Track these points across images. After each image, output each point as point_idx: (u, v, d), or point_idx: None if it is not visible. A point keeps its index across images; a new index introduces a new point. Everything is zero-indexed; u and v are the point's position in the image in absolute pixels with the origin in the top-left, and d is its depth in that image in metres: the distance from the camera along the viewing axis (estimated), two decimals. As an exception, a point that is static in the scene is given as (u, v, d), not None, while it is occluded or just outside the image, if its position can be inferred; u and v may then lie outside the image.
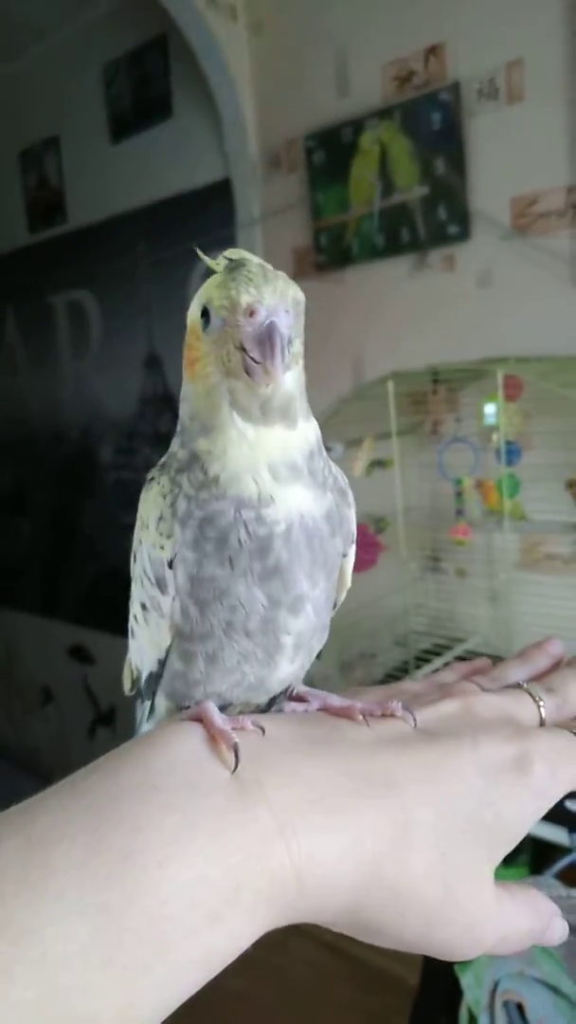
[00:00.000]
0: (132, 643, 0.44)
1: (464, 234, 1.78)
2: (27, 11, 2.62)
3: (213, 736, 0.32)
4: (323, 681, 1.80)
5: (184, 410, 0.37)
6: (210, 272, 0.38)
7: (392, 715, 0.36)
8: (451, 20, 1.74)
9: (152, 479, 0.39)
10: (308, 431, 0.37)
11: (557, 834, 1.43)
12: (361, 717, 0.36)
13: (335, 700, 0.38)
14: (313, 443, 0.37)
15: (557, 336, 1.65)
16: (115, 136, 2.63)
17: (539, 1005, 1.04)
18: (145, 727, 0.45)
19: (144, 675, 0.42)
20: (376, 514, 1.76)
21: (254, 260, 0.36)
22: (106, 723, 3.11)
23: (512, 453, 1.55)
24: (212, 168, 2.33)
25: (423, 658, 1.73)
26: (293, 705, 0.39)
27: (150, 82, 2.49)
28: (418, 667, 1.69)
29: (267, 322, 0.33)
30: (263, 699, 0.41)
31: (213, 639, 0.36)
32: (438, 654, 1.74)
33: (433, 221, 1.83)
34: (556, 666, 0.44)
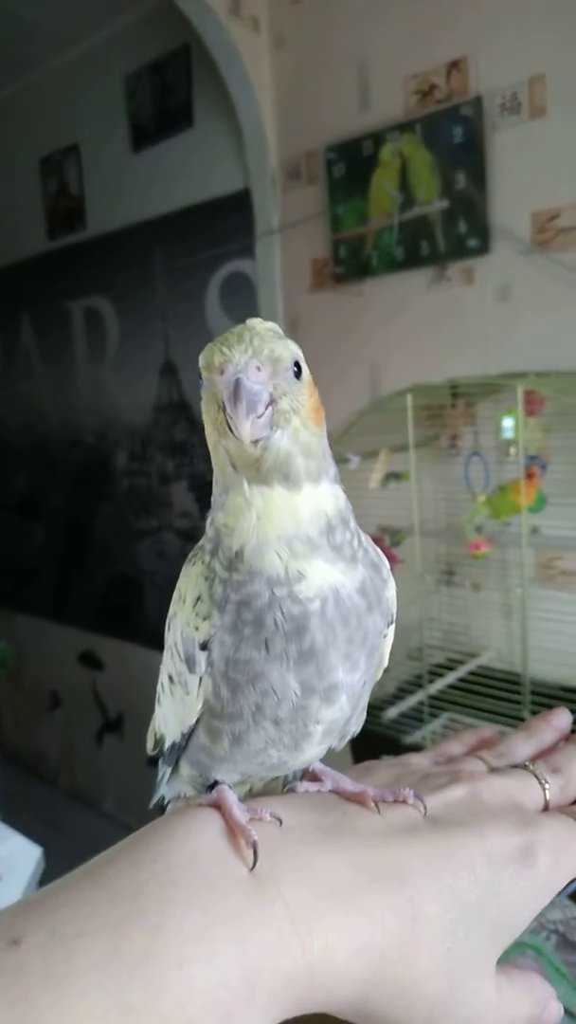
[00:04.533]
0: (158, 709, 0.43)
1: (484, 248, 1.78)
2: (51, 21, 2.64)
3: (232, 830, 0.33)
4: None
5: (215, 476, 0.37)
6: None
7: (404, 801, 0.36)
8: (473, 34, 1.75)
9: (195, 555, 0.38)
10: (321, 498, 0.35)
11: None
12: (373, 804, 0.36)
13: (347, 784, 0.38)
14: (330, 513, 0.36)
15: (576, 351, 1.65)
16: (136, 145, 2.65)
17: (553, 1029, 1.03)
18: (164, 789, 0.45)
19: (167, 743, 0.42)
20: (392, 527, 1.75)
21: (251, 323, 0.35)
22: (114, 729, 3.11)
23: (539, 466, 1.54)
24: (232, 178, 2.34)
25: (436, 672, 1.72)
26: (306, 785, 0.39)
27: (172, 92, 2.50)
28: (431, 681, 1.68)
29: (233, 379, 0.33)
30: (282, 775, 0.41)
31: (241, 721, 0.36)
32: (452, 668, 1.73)
33: (453, 234, 1.83)
34: (562, 739, 0.45)
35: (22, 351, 3.36)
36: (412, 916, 0.31)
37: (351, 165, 2.00)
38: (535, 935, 1.14)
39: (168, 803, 0.45)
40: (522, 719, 1.63)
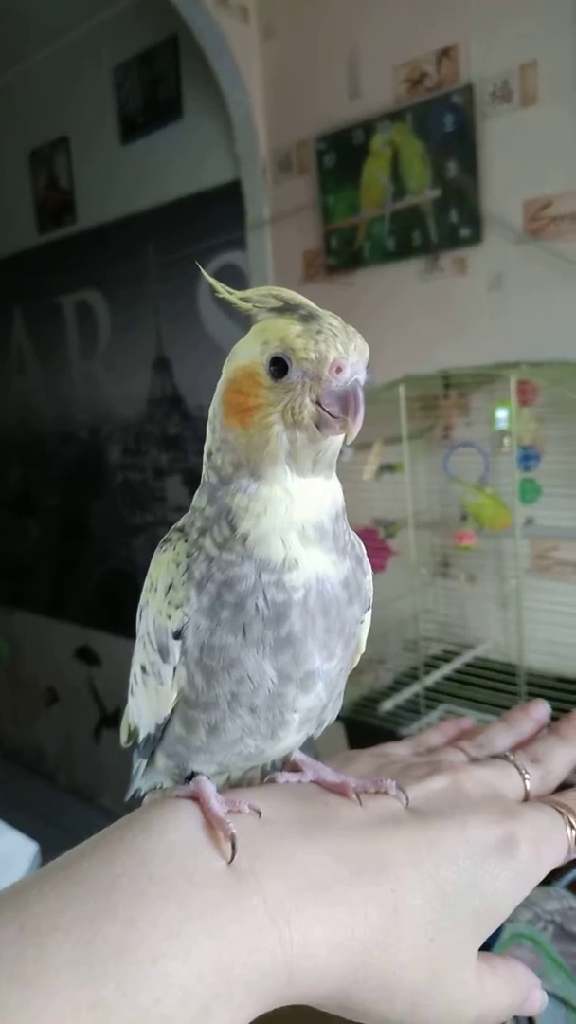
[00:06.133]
0: (131, 701, 0.43)
1: (476, 237, 1.77)
2: (38, 13, 2.62)
3: (210, 822, 0.32)
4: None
5: (224, 459, 0.35)
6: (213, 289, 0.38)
7: (385, 792, 0.36)
8: (464, 21, 1.73)
9: (168, 540, 0.38)
10: (336, 488, 0.37)
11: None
12: (355, 795, 0.36)
13: (329, 775, 0.38)
14: (340, 502, 0.37)
15: (569, 341, 1.64)
16: (125, 137, 2.63)
17: (550, 1018, 1.03)
18: (140, 781, 0.44)
19: (142, 735, 0.41)
20: (385, 519, 1.75)
21: (324, 312, 0.35)
22: (111, 724, 3.11)
23: (529, 458, 1.54)
24: (222, 170, 2.33)
25: (432, 664, 1.72)
26: (287, 775, 0.39)
27: (160, 83, 2.48)
28: (427, 673, 1.68)
29: (352, 379, 0.33)
30: (260, 764, 0.40)
31: (217, 710, 0.36)
32: (448, 660, 1.73)
33: (445, 224, 1.82)
34: (541, 729, 0.45)
35: (15, 347, 3.34)
36: (394, 908, 0.31)
37: (342, 155, 1.99)
38: (532, 926, 1.14)
39: (144, 795, 0.45)
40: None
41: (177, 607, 0.35)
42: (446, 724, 0.47)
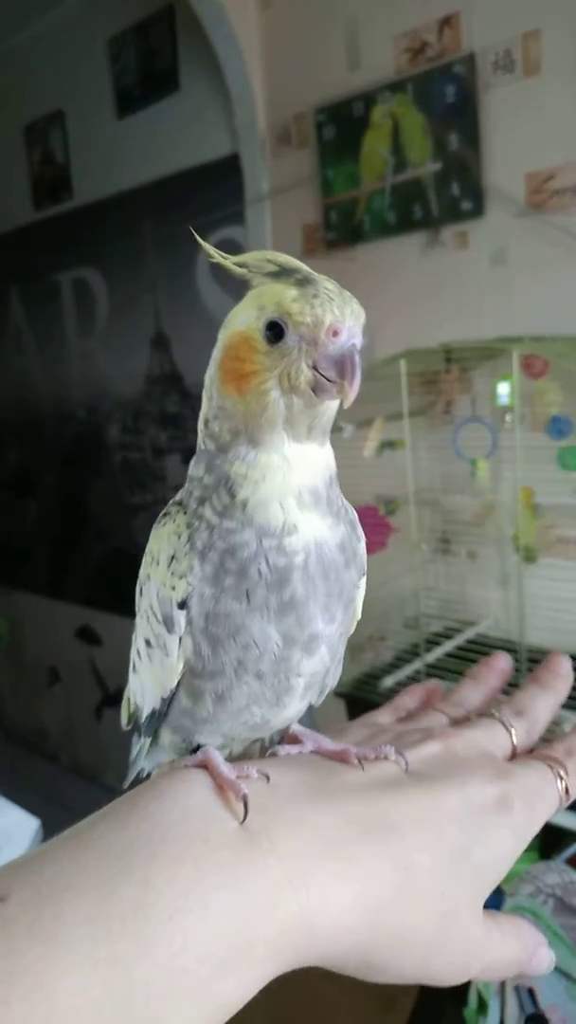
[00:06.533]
0: (133, 678, 0.43)
1: (478, 211, 1.75)
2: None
3: (221, 786, 0.33)
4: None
5: (222, 427, 0.35)
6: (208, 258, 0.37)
7: (385, 759, 0.37)
8: (466, -11, 1.70)
9: (167, 514, 0.38)
10: (329, 454, 0.37)
11: (568, 819, 1.42)
12: (356, 761, 0.36)
13: (328, 744, 0.39)
14: (333, 468, 0.37)
15: (572, 315, 1.62)
16: (121, 111, 2.59)
17: (551, 991, 1.04)
18: (144, 763, 0.45)
19: (145, 713, 0.41)
20: (387, 496, 1.74)
21: (320, 276, 0.35)
22: (113, 704, 3.12)
23: (562, 426, 1.50)
24: (220, 143, 2.29)
25: (433, 641, 1.72)
26: (287, 748, 0.39)
27: (156, 55, 2.44)
28: (428, 650, 1.68)
29: (348, 343, 0.33)
30: (264, 736, 0.41)
31: (223, 678, 0.36)
32: (449, 637, 1.73)
33: (446, 197, 1.79)
34: (506, 680, 0.47)
35: (12, 326, 3.31)
36: (405, 865, 0.32)
37: (341, 127, 1.96)
38: (533, 899, 1.15)
39: (147, 776, 0.44)
40: (515, 685, 1.63)
41: (180, 577, 0.35)
42: (415, 687, 0.48)
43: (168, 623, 0.36)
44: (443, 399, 1.78)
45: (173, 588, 0.36)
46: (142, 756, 0.44)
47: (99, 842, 0.29)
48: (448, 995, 1.25)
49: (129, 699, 0.45)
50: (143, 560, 0.39)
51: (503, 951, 0.35)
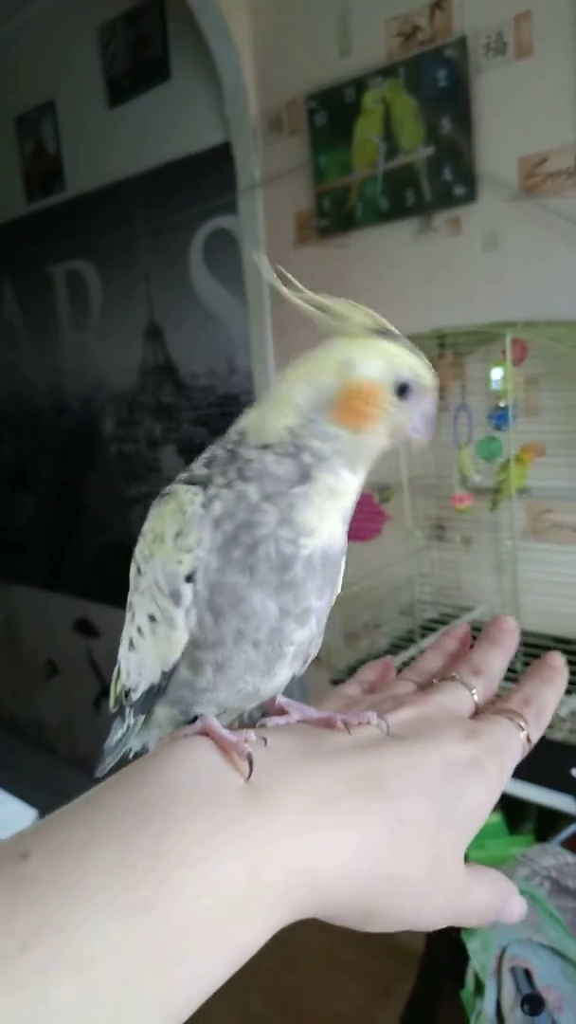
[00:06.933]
0: (130, 657, 0.44)
1: (470, 196, 1.74)
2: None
3: (225, 748, 0.35)
4: (327, 652, 1.80)
5: (325, 445, 0.39)
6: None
7: (368, 723, 0.39)
8: (457, -28, 1.69)
9: (169, 494, 0.40)
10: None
11: (564, 802, 1.43)
12: (342, 725, 0.39)
13: (313, 712, 0.41)
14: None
15: (566, 299, 1.62)
16: (112, 100, 2.58)
17: (547, 971, 1.04)
18: (134, 742, 0.47)
19: (142, 689, 0.43)
20: (381, 483, 1.74)
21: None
22: (111, 696, 3.12)
23: (502, 418, 1.52)
24: (212, 132, 2.28)
25: (429, 627, 1.72)
26: (275, 720, 0.41)
27: (147, 44, 2.43)
28: (424, 636, 1.68)
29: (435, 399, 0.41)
30: (254, 706, 0.44)
31: (223, 647, 0.39)
32: (444, 623, 1.73)
33: (438, 183, 1.79)
34: (466, 646, 0.50)
35: (5, 319, 3.30)
36: (399, 816, 0.35)
37: (333, 114, 1.95)
38: (529, 882, 1.15)
39: (135, 756, 0.45)
40: (516, 672, 1.63)
41: (188, 551, 0.38)
42: (374, 662, 0.51)
43: (175, 596, 0.38)
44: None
45: (180, 562, 0.38)
46: (132, 735, 0.45)
47: (112, 803, 0.31)
48: (446, 976, 1.25)
49: (119, 680, 0.46)
50: (142, 540, 0.41)
51: (480, 897, 0.38)
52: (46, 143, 2.90)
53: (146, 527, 0.41)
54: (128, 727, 0.45)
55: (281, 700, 0.43)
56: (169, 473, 2.69)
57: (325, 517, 0.39)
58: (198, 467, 0.41)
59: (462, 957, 1.12)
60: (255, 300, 2.24)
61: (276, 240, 2.17)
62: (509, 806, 1.67)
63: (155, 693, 0.42)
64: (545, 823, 1.62)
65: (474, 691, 0.43)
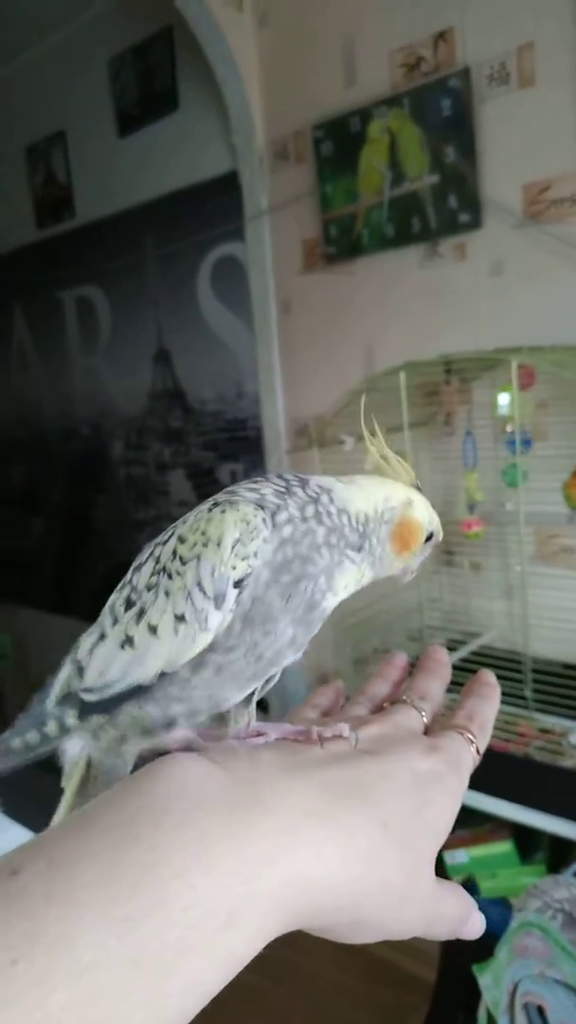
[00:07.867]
0: (120, 656, 0.43)
1: (475, 223, 1.76)
2: (32, 6, 2.61)
3: (212, 760, 0.36)
4: (338, 677, 1.78)
5: (378, 543, 0.45)
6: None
7: (341, 736, 0.41)
8: (460, 4, 1.71)
9: (230, 503, 0.42)
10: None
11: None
12: (317, 738, 0.41)
13: (289, 727, 0.43)
14: None
15: (571, 324, 1.62)
16: (122, 130, 2.62)
17: (560, 1007, 1.02)
18: (68, 745, 0.46)
19: (118, 689, 0.43)
20: (388, 508, 1.73)
21: None
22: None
23: (523, 443, 1.52)
24: (219, 161, 2.31)
25: (438, 653, 1.71)
26: (255, 740, 0.42)
27: (156, 75, 2.47)
28: (433, 662, 1.67)
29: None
30: (212, 715, 0.44)
31: (234, 654, 0.40)
32: (453, 649, 1.72)
33: (444, 210, 1.80)
34: (405, 674, 0.53)
35: (16, 343, 3.34)
36: (381, 822, 0.36)
37: (339, 143, 1.97)
38: (541, 914, 1.13)
39: (63, 759, 0.46)
40: (524, 698, 1.62)
41: (243, 559, 0.39)
42: (322, 688, 0.53)
43: (218, 600, 0.39)
44: (443, 411, 1.78)
45: (234, 568, 0.39)
46: (66, 738, 0.45)
47: (103, 819, 0.31)
48: (459, 1011, 1.23)
49: (70, 679, 0.45)
50: (178, 541, 0.42)
51: (449, 906, 0.40)
52: (56, 172, 2.94)
53: (186, 531, 0.42)
54: (61, 728, 0.44)
55: (256, 724, 0.45)
56: (177, 497, 2.70)
57: (343, 590, 0.43)
58: (270, 495, 0.43)
59: (474, 992, 1.11)
60: (262, 326, 2.26)
61: (283, 267, 2.19)
62: (520, 835, 1.65)
63: (137, 692, 0.41)
64: (558, 854, 1.60)
65: (423, 713, 0.47)
